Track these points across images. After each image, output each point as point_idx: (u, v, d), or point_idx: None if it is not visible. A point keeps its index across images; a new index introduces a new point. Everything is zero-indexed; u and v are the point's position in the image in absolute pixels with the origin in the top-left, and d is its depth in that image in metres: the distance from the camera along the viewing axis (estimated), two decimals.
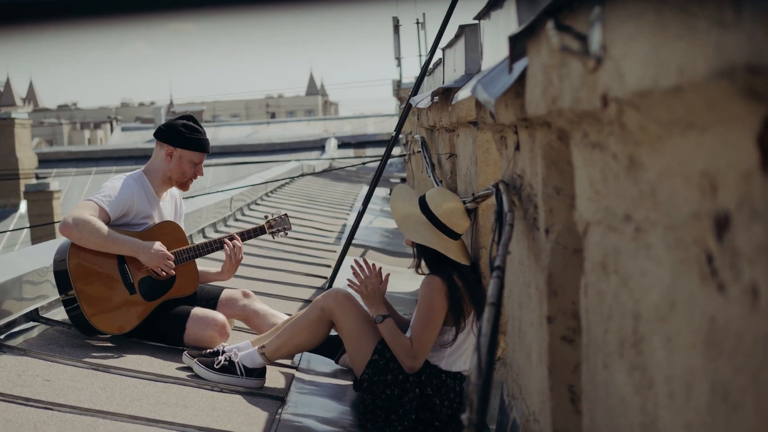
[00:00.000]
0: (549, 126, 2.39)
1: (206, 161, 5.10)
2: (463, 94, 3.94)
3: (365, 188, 12.14)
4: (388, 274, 4.40)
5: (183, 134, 4.86)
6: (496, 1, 3.06)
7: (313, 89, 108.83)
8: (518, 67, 2.27)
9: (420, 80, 7.31)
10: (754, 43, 1.01)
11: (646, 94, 1.37)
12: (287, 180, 16.01)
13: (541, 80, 2.07)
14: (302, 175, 17.46)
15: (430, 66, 7.08)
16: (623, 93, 1.47)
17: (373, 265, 4.39)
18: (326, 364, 4.90)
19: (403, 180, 21.05)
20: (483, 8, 3.48)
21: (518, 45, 2.18)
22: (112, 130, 56.48)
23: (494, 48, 3.25)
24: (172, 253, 4.76)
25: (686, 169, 1.39)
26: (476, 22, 3.97)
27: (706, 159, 1.31)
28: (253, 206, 11.85)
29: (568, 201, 2.43)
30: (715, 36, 1.09)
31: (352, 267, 4.35)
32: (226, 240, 5.00)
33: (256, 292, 5.35)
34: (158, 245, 4.69)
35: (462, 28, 4.44)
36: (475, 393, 1.96)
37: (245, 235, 5.14)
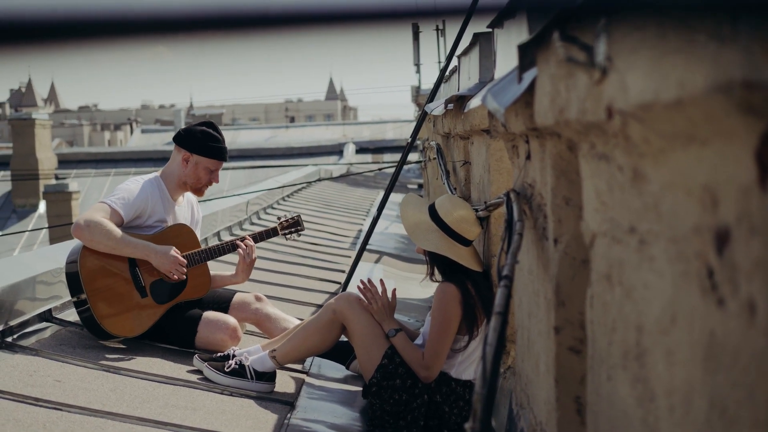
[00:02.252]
0: (559, 136, 2.39)
1: (225, 164, 5.12)
2: (476, 102, 3.95)
3: (382, 194, 12.17)
4: (395, 289, 4.40)
5: (201, 141, 4.88)
6: (508, 10, 3.06)
7: (332, 94, 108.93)
8: (528, 76, 2.27)
9: (436, 87, 7.32)
10: (751, 59, 1.01)
11: (648, 107, 1.37)
12: (304, 184, 16.03)
13: (549, 90, 2.07)
14: (319, 179, 17.47)
15: (447, 73, 7.09)
16: (627, 105, 1.47)
17: (381, 281, 4.40)
18: (337, 369, 4.90)
19: (420, 186, 21.07)
20: (496, 17, 3.48)
21: (527, 54, 2.18)
22: (131, 132, 56.77)
23: (507, 57, 3.25)
24: (184, 256, 4.78)
25: (688, 183, 1.39)
26: (490, 30, 3.97)
27: (707, 173, 1.31)
28: (269, 210, 11.88)
29: (576, 211, 2.42)
30: (712, 50, 1.09)
31: (358, 287, 4.36)
32: (238, 242, 5.01)
33: (269, 296, 5.36)
34: (172, 249, 4.71)
35: (476, 37, 4.45)
36: (479, 402, 1.95)
37: (258, 237, 5.15)
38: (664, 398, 1.56)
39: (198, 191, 5.00)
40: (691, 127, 1.29)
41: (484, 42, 4.24)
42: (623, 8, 1.48)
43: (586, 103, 1.75)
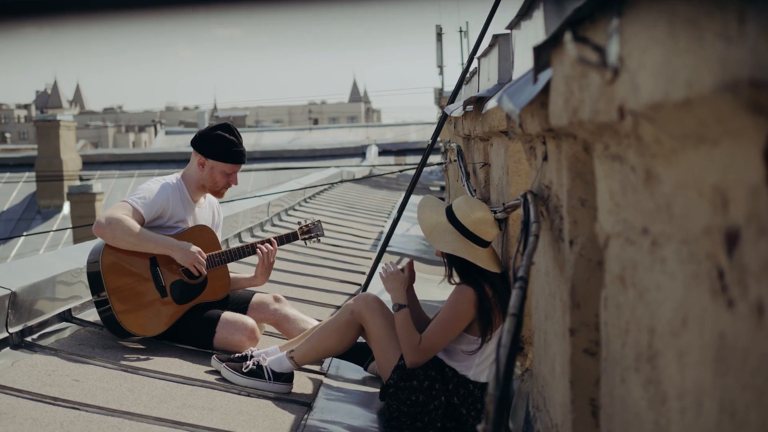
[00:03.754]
0: (575, 137, 2.38)
1: (248, 166, 5.13)
2: (494, 103, 3.93)
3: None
4: (411, 261, 4.44)
5: (216, 145, 4.89)
6: (526, 11, 3.05)
7: (356, 96, 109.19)
8: (543, 77, 2.27)
9: (457, 89, 7.31)
10: (758, 58, 1.00)
11: (658, 107, 1.36)
12: (326, 186, 16.05)
13: (563, 91, 2.06)
14: (341, 181, 17.49)
15: (468, 75, 7.08)
16: (638, 105, 1.46)
17: (411, 261, 4.45)
18: (355, 370, 4.90)
19: (443, 188, 21.06)
20: (514, 18, 3.48)
21: (543, 55, 2.18)
22: (156, 134, 57.06)
23: (524, 58, 3.24)
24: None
25: (699, 183, 1.38)
26: (509, 31, 3.96)
27: (717, 173, 1.30)
28: (290, 212, 11.89)
29: (592, 213, 2.41)
30: (720, 49, 1.08)
31: (380, 274, 4.40)
32: (258, 245, 5.02)
33: (289, 298, 5.37)
34: (192, 245, 4.73)
35: (495, 38, 4.44)
36: (492, 404, 1.94)
37: (277, 241, 5.16)
38: (675, 401, 1.55)
39: (217, 193, 5.02)
40: (701, 126, 1.28)
41: (503, 43, 4.23)
42: (633, 6, 1.47)
43: (598, 103, 1.74)
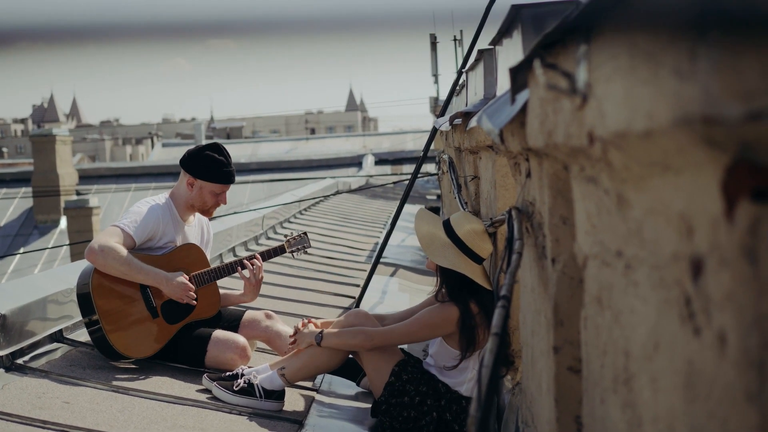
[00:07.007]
0: (555, 156, 2.38)
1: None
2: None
3: None
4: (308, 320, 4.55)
5: (204, 166, 4.90)
6: (506, 29, 3.06)
7: (352, 105, 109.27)
8: (520, 98, 2.27)
9: (448, 100, 7.32)
10: (709, 95, 1.01)
11: (623, 136, 1.37)
12: (322, 198, 16.03)
13: (539, 113, 2.07)
14: (337, 192, 17.48)
15: (458, 87, 7.09)
16: (605, 133, 1.47)
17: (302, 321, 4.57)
18: (348, 386, 4.90)
19: (439, 197, 21.07)
20: (496, 35, 3.49)
21: (519, 77, 2.18)
22: (153, 146, 57.09)
23: (506, 74, 3.25)
24: (192, 276, 4.80)
25: (666, 210, 1.38)
26: (492, 47, 3.97)
27: (682, 201, 1.30)
28: (285, 224, 11.88)
29: (574, 231, 2.41)
30: (674, 85, 1.09)
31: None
32: (245, 260, 5.02)
33: (282, 312, 5.37)
34: (181, 275, 4.73)
35: (481, 53, 4.45)
36: (473, 426, 1.94)
37: (265, 256, 5.17)
38: (650, 425, 1.56)
39: (206, 212, 5.03)
40: (664, 156, 1.29)
41: (488, 58, 4.24)
42: (599, 34, 1.47)
43: (570, 127, 1.75)
